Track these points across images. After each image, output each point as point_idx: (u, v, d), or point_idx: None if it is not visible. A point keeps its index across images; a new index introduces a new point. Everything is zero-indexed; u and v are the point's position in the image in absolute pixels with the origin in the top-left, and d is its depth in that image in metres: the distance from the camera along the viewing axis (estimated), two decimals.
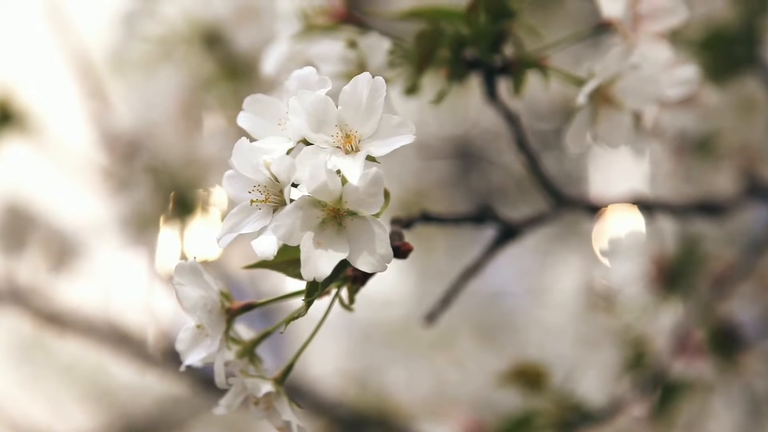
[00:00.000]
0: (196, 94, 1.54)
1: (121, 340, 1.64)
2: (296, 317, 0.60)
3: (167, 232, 1.49)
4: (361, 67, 0.72)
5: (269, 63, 0.77)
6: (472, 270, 0.85)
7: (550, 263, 1.72)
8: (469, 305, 1.85)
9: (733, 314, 1.18)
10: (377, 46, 0.72)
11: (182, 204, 1.47)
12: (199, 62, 1.53)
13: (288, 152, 0.57)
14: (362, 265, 0.55)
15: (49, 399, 1.93)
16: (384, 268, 0.55)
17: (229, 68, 1.50)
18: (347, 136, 0.57)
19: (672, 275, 1.16)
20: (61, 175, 1.72)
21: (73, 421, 1.88)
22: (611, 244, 1.18)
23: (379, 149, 0.56)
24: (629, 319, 1.21)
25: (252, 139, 0.59)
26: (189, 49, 1.53)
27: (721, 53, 1.02)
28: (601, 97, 0.70)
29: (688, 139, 1.21)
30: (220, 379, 0.60)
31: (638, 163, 1.43)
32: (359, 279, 0.62)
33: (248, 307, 0.63)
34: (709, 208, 1.05)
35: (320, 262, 0.55)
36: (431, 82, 0.78)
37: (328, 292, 0.63)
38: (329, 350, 1.92)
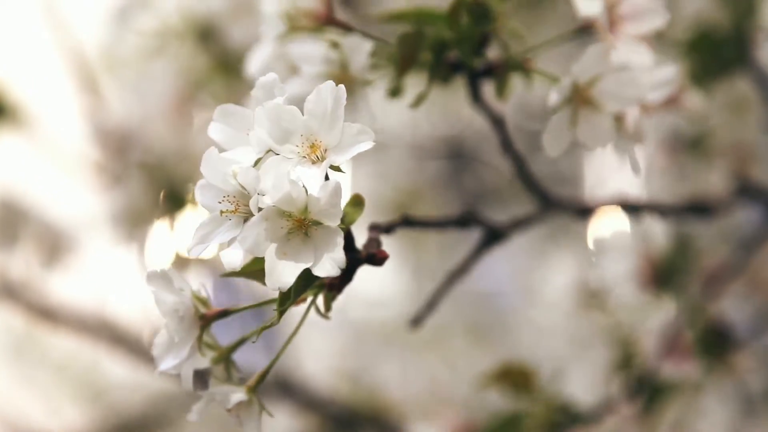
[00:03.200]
0: (189, 89, 1.54)
1: (114, 336, 1.64)
2: (269, 326, 0.60)
3: (160, 228, 1.49)
4: (344, 68, 0.72)
5: (254, 64, 0.77)
6: (458, 273, 0.85)
7: (543, 263, 1.72)
8: (463, 305, 1.85)
9: (725, 313, 1.17)
10: (359, 48, 0.72)
11: (175, 199, 1.47)
12: (192, 57, 1.52)
13: (256, 162, 0.57)
14: (318, 270, 0.55)
15: (43, 396, 1.93)
16: (337, 272, 0.55)
17: (223, 63, 1.50)
18: (312, 145, 0.57)
19: (664, 274, 1.16)
20: (53, 170, 1.72)
21: (67, 418, 1.88)
22: (601, 244, 1.18)
23: (339, 158, 0.56)
24: (620, 319, 1.21)
25: (222, 150, 0.59)
26: (182, 44, 1.52)
27: (710, 54, 1.02)
28: (581, 99, 0.69)
29: (681, 139, 1.21)
30: (186, 385, 0.60)
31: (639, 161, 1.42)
32: (335, 287, 0.62)
33: (223, 314, 0.62)
34: (700, 208, 1.04)
35: (284, 272, 0.55)
36: (419, 84, 0.78)
37: (304, 300, 0.62)
38: (323, 348, 1.92)
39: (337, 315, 1.87)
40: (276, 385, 1.59)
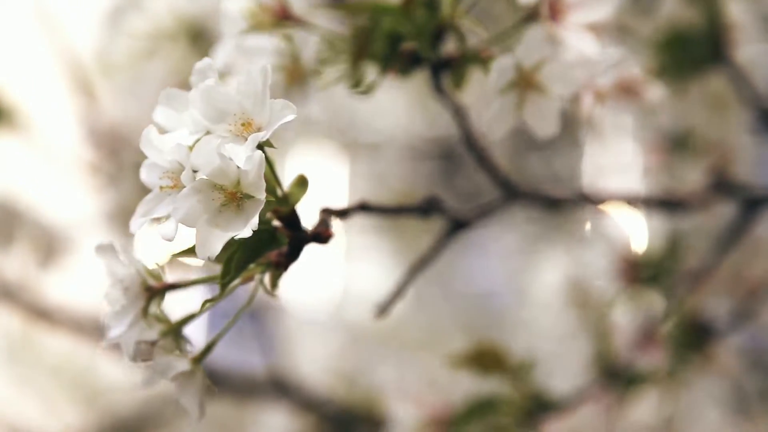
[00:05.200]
0: (182, 90, 1.54)
1: None
2: (214, 301, 0.61)
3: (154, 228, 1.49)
4: (295, 60, 0.74)
5: (217, 61, 0.79)
6: (424, 262, 0.85)
7: (535, 263, 1.72)
8: (458, 306, 1.85)
9: (706, 309, 1.18)
10: (307, 41, 0.74)
11: None
12: (184, 58, 1.53)
13: (196, 142, 0.58)
14: (240, 234, 0.57)
15: (40, 397, 1.93)
16: (249, 233, 0.56)
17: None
18: (244, 124, 0.58)
19: (646, 270, 1.16)
20: (48, 171, 1.73)
21: (63, 419, 1.88)
22: (586, 240, 1.18)
23: (265, 132, 0.57)
24: (603, 313, 1.21)
25: (164, 131, 0.60)
26: (175, 45, 1.53)
27: (684, 53, 1.03)
28: (527, 83, 0.70)
29: (667, 138, 1.22)
30: (128, 354, 0.61)
31: (632, 160, 1.43)
32: (281, 264, 0.62)
33: (171, 287, 0.63)
34: (674, 204, 1.04)
35: (213, 241, 0.57)
36: (399, 81, 0.79)
37: (251, 278, 0.63)
38: (318, 348, 1.93)
39: (333, 316, 1.87)
40: (272, 386, 1.60)
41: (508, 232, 1.78)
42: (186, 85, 1.58)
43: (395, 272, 1.89)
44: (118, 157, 1.58)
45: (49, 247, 1.69)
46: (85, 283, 1.75)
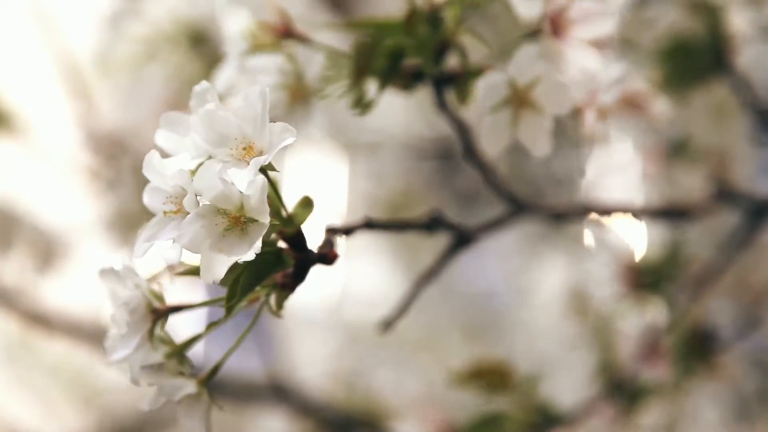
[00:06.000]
0: (181, 94, 1.54)
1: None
2: (218, 324, 0.61)
3: None
4: (299, 79, 0.74)
5: (219, 83, 0.79)
6: (427, 276, 0.85)
7: (536, 265, 1.71)
8: (457, 306, 1.85)
9: (711, 316, 1.18)
10: (312, 59, 0.74)
11: None
12: (184, 62, 1.53)
13: (198, 166, 0.58)
14: (244, 258, 0.57)
15: (38, 400, 1.93)
16: (251, 257, 0.56)
17: (215, 67, 1.50)
18: (245, 148, 0.58)
19: (649, 279, 1.16)
20: (46, 176, 1.72)
21: (62, 421, 1.88)
22: (587, 248, 1.18)
23: (265, 157, 0.57)
24: (603, 322, 1.21)
25: (166, 155, 0.60)
26: (174, 49, 1.53)
27: (686, 62, 1.02)
28: (520, 101, 0.70)
29: (667, 146, 1.22)
30: (133, 377, 0.61)
31: (632, 165, 1.43)
32: (288, 285, 0.63)
33: (175, 309, 0.63)
34: (677, 213, 1.04)
35: (217, 265, 0.57)
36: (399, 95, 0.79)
37: (257, 299, 0.63)
38: (317, 352, 1.92)
39: (332, 316, 1.86)
40: (271, 390, 1.59)
41: (508, 232, 1.77)
42: (185, 90, 1.59)
43: (394, 273, 1.90)
44: (116, 161, 1.58)
45: (47, 252, 1.69)
46: (82, 288, 1.75)
